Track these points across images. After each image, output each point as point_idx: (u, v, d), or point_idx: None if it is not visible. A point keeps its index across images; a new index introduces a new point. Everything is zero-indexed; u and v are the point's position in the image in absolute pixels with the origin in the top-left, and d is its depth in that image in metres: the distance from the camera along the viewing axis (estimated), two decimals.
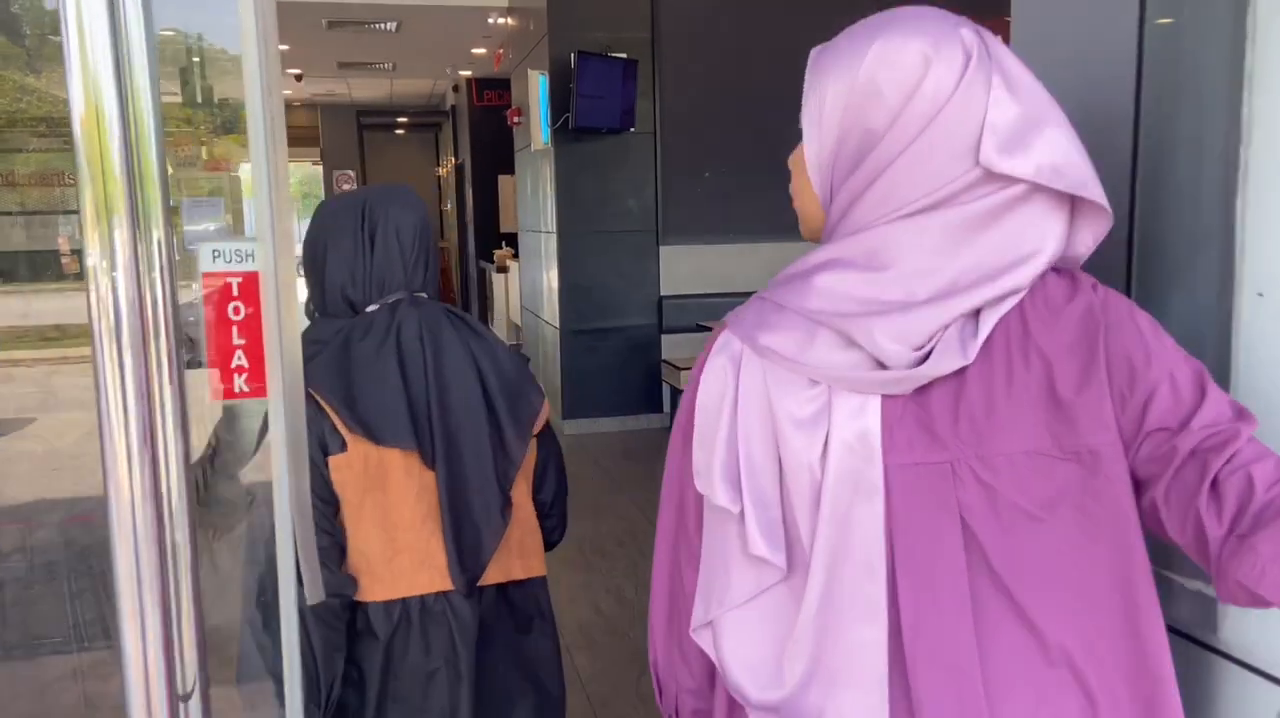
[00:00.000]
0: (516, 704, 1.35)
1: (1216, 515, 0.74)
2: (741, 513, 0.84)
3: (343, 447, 1.23)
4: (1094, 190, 0.81)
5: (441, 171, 16.23)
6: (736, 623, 0.86)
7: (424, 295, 1.36)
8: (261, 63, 0.82)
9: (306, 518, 0.79)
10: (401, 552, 1.26)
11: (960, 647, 0.79)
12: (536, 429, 1.39)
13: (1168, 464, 0.78)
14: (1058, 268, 0.85)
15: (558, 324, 6.39)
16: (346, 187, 16.21)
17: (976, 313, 0.81)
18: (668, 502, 0.96)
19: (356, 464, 1.24)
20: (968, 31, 0.82)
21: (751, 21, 6.07)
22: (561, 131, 6.03)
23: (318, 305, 1.35)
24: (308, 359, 1.12)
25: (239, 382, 0.88)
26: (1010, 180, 0.80)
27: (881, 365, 0.81)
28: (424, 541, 1.26)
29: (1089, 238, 0.85)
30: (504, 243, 10.88)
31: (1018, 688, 0.79)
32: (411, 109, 15.45)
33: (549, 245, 6.54)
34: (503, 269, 10.09)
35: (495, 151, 11.54)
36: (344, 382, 1.24)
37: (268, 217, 0.84)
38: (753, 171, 6.43)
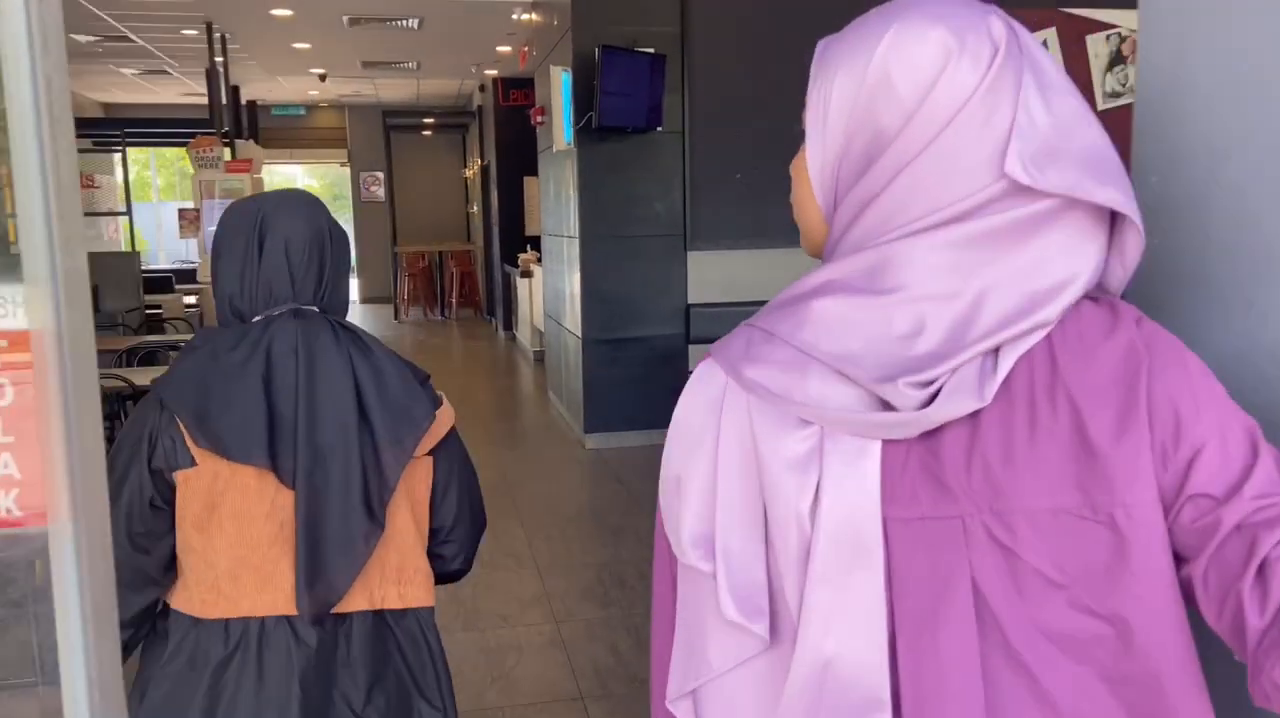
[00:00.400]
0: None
1: (1260, 604, 0.62)
2: (714, 575, 0.73)
3: (191, 462, 1.18)
4: (1132, 209, 0.69)
5: (468, 173, 16.03)
6: (718, 692, 0.74)
7: (314, 309, 1.28)
8: (31, 24, 0.52)
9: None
10: (247, 570, 1.19)
11: (967, 704, 0.67)
12: (423, 450, 1.29)
13: (1210, 537, 0.66)
14: (1094, 296, 0.73)
15: (580, 333, 6.09)
16: (375, 189, 16.07)
17: (996, 348, 0.68)
18: (663, 550, 0.82)
19: (205, 479, 1.19)
20: (997, 21, 0.71)
21: (787, 14, 5.73)
22: (585, 131, 5.74)
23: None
24: (172, 367, 1.17)
25: (4, 502, 0.58)
26: (1039, 195, 0.68)
27: (886, 405, 0.69)
28: (271, 562, 1.19)
29: (1119, 267, 0.74)
30: (529, 246, 10.62)
31: None
32: (438, 110, 15.26)
33: (571, 250, 6.24)
34: (527, 274, 9.83)
35: (521, 153, 11.29)
36: (200, 394, 1.18)
37: (43, 248, 0.54)
38: (787, 174, 6.11)
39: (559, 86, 5.84)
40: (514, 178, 11.32)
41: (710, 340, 3.65)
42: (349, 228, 18.79)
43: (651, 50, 5.61)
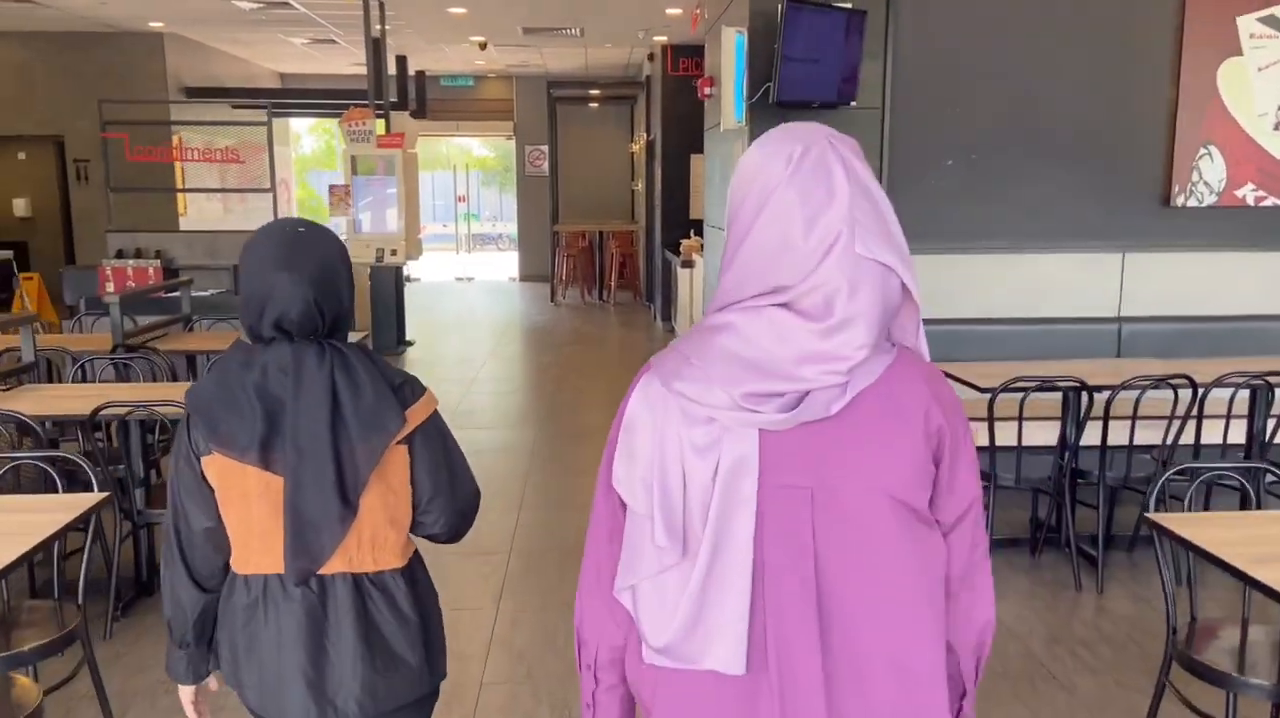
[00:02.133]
0: (366, 672, 1.56)
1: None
2: (651, 513, 1.12)
3: (210, 451, 1.52)
4: (912, 284, 1.13)
5: (634, 148, 15.24)
6: (646, 589, 1.15)
7: (309, 338, 1.54)
8: None
9: None
10: (253, 538, 1.54)
11: (801, 608, 1.09)
12: (395, 441, 1.54)
13: (949, 520, 1.17)
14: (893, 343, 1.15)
15: None
16: (539, 163, 15.57)
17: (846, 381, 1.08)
18: (602, 494, 1.23)
19: (218, 466, 1.52)
20: (814, 137, 1.14)
21: None
22: (761, 106, 4.72)
23: None
24: (202, 377, 1.61)
25: None
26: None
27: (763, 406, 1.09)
28: (271, 533, 1.52)
29: (911, 327, 1.17)
30: (693, 231, 9.69)
31: (848, 660, 1.10)
32: (605, 80, 14.51)
33: None
34: (688, 263, 8.90)
35: (689, 127, 10.34)
36: (212, 402, 1.51)
37: None
38: (1010, 161, 4.88)
39: (731, 52, 4.85)
40: (680, 155, 10.40)
41: None
42: (512, 202, 18.56)
43: (849, 5, 4.52)
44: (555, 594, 3.76)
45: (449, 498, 1.62)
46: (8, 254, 12.09)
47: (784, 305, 1.08)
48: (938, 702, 1.13)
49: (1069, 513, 3.92)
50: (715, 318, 1.12)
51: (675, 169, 10.46)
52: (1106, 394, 3.73)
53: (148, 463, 3.51)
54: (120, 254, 7.37)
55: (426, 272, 16.81)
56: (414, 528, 1.63)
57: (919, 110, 4.81)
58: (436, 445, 1.61)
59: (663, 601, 1.12)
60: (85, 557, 2.47)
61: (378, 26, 8.91)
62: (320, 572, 1.53)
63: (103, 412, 3.22)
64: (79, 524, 2.33)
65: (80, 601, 2.47)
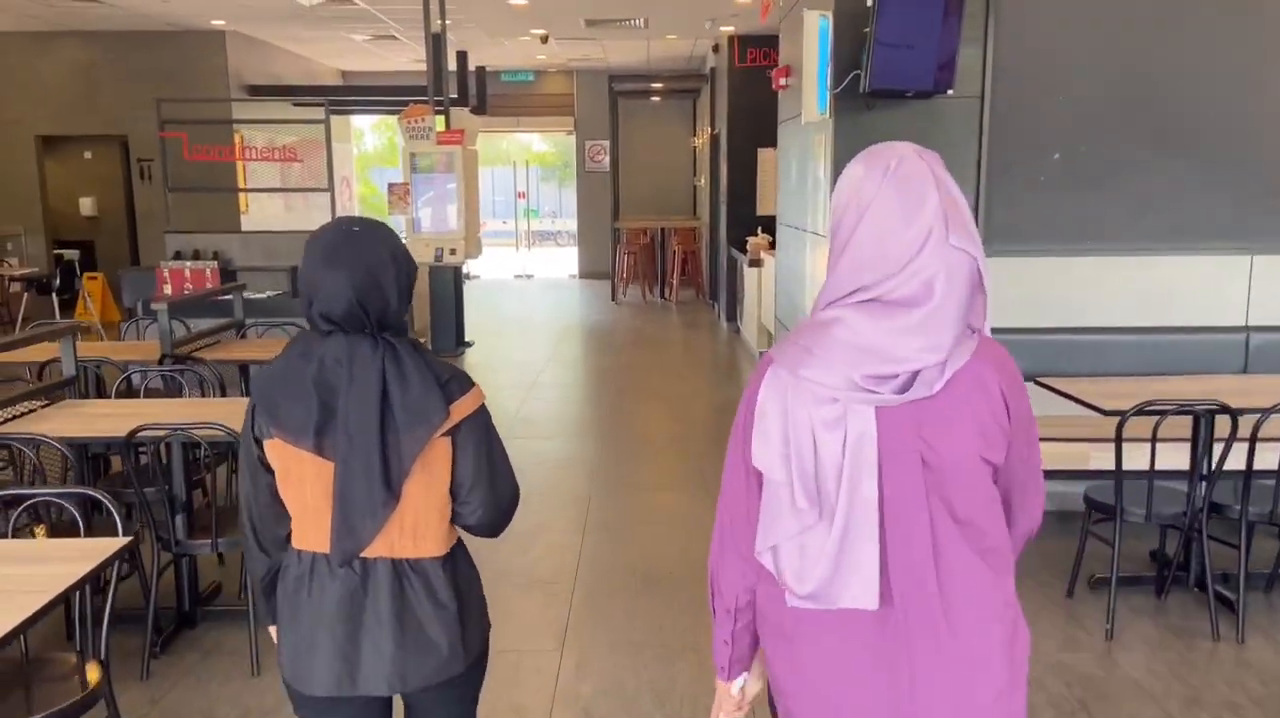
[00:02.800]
0: (405, 642, 1.63)
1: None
2: (790, 483, 1.31)
3: (270, 434, 1.60)
4: (986, 274, 1.33)
5: (696, 142, 14.85)
6: (788, 548, 1.33)
7: (363, 331, 1.60)
8: None
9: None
10: (306, 516, 1.62)
11: (921, 560, 1.30)
12: (438, 433, 1.60)
13: (1007, 472, 1.38)
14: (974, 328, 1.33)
15: None
16: (599, 158, 15.29)
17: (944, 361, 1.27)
18: (733, 470, 1.42)
19: (277, 449, 1.60)
20: (905, 152, 1.35)
21: None
22: (847, 97, 4.34)
23: None
24: (267, 366, 1.65)
25: None
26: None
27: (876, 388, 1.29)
28: (321, 513, 1.60)
29: (981, 311, 1.35)
30: (760, 228, 9.30)
31: (958, 582, 1.32)
32: (667, 74, 14.14)
33: (817, 250, 4.88)
34: (756, 262, 8.51)
35: (756, 120, 9.94)
36: (273, 390, 1.60)
37: None
38: (1123, 154, 4.42)
39: (814, 38, 4.46)
40: (747, 149, 10.00)
41: None
42: (570, 198, 18.33)
43: None
44: (624, 634, 3.43)
45: (488, 491, 1.68)
46: (74, 254, 12.28)
47: (877, 299, 1.27)
48: (1013, 610, 1.40)
49: (1204, 550, 3.46)
50: (825, 314, 1.31)
51: (741, 164, 10.07)
52: (1254, 418, 3.27)
53: (190, 485, 3.26)
54: (178, 255, 7.26)
55: (486, 269, 16.65)
56: (453, 518, 1.70)
57: (1022, 99, 4.37)
58: (479, 439, 1.66)
59: (805, 555, 1.31)
60: (108, 608, 2.21)
61: (438, 21, 8.69)
62: (363, 554, 1.61)
63: (140, 433, 2.98)
64: (101, 571, 2.07)
65: (104, 656, 2.21)
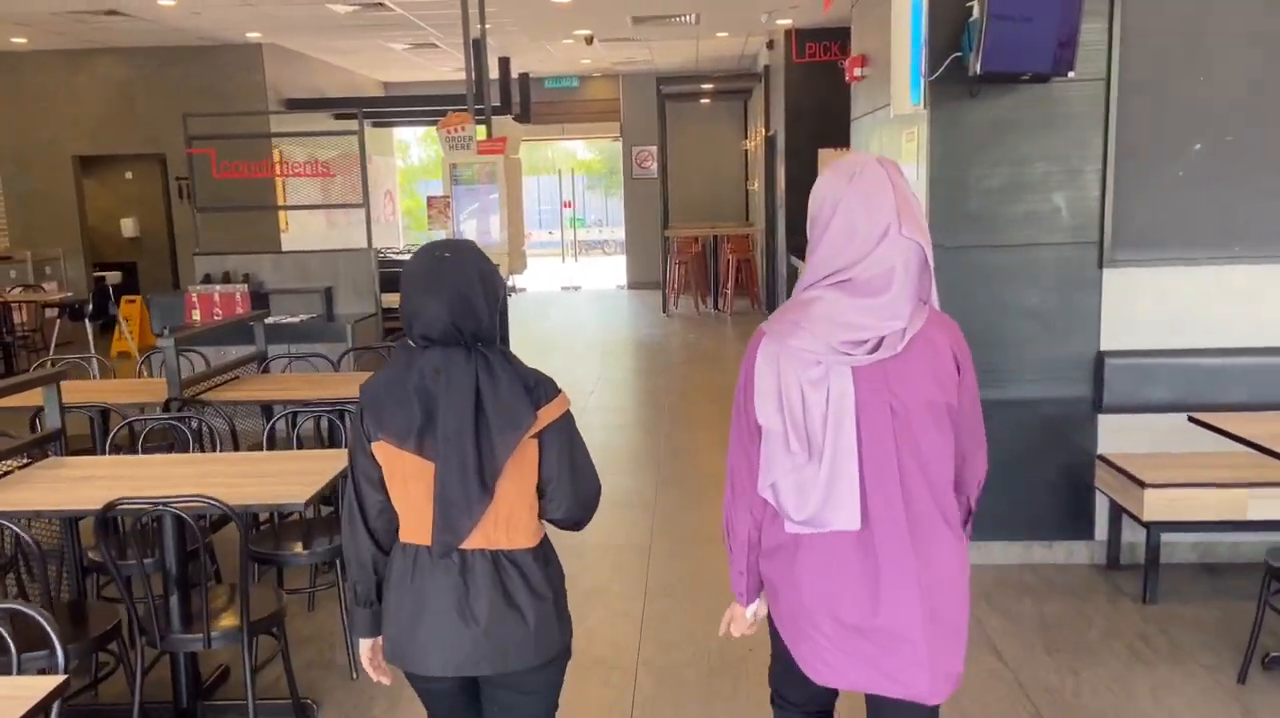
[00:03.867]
0: (502, 625, 1.75)
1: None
2: (785, 432, 1.65)
3: (378, 437, 1.75)
4: (930, 257, 1.67)
5: (749, 145, 14.22)
6: (785, 484, 1.67)
7: (458, 344, 1.76)
8: None
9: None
10: (410, 512, 1.76)
11: (891, 484, 1.65)
12: (529, 435, 1.74)
13: (966, 402, 1.72)
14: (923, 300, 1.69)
15: None
16: (647, 164, 14.75)
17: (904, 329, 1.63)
18: (737, 427, 1.75)
19: (384, 451, 1.74)
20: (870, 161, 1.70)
21: None
22: (950, 82, 3.71)
23: None
24: (375, 375, 1.81)
25: None
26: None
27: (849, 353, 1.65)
28: (423, 510, 1.74)
29: (928, 287, 1.69)
30: None
31: (919, 510, 1.67)
32: (718, 74, 13.55)
33: None
34: None
35: (817, 119, 9.30)
36: (379, 398, 1.76)
37: None
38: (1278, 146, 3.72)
39: (904, 19, 3.84)
40: (806, 150, 9.36)
41: (1136, 409, 3.74)
42: (619, 206, 17.82)
43: None
44: None
45: (571, 488, 1.81)
46: (115, 276, 12.03)
47: (850, 280, 1.63)
48: (958, 533, 1.73)
49: None
50: (806, 294, 1.68)
51: (800, 166, 9.42)
52: None
53: (183, 561, 2.74)
54: (207, 279, 6.83)
55: (532, 281, 16.18)
56: (540, 512, 1.82)
57: (1156, 80, 3.70)
58: (564, 441, 1.80)
59: (800, 489, 1.66)
60: None
61: (477, 26, 8.20)
62: (462, 547, 1.74)
63: (117, 507, 2.47)
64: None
65: None
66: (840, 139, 9.33)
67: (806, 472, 1.63)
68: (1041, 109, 3.74)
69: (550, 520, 1.84)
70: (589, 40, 9.35)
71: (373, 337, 6.91)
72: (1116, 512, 3.86)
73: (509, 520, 1.74)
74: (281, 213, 10.97)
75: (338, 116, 12.68)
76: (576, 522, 1.85)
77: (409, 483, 1.72)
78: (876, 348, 1.59)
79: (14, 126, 10.72)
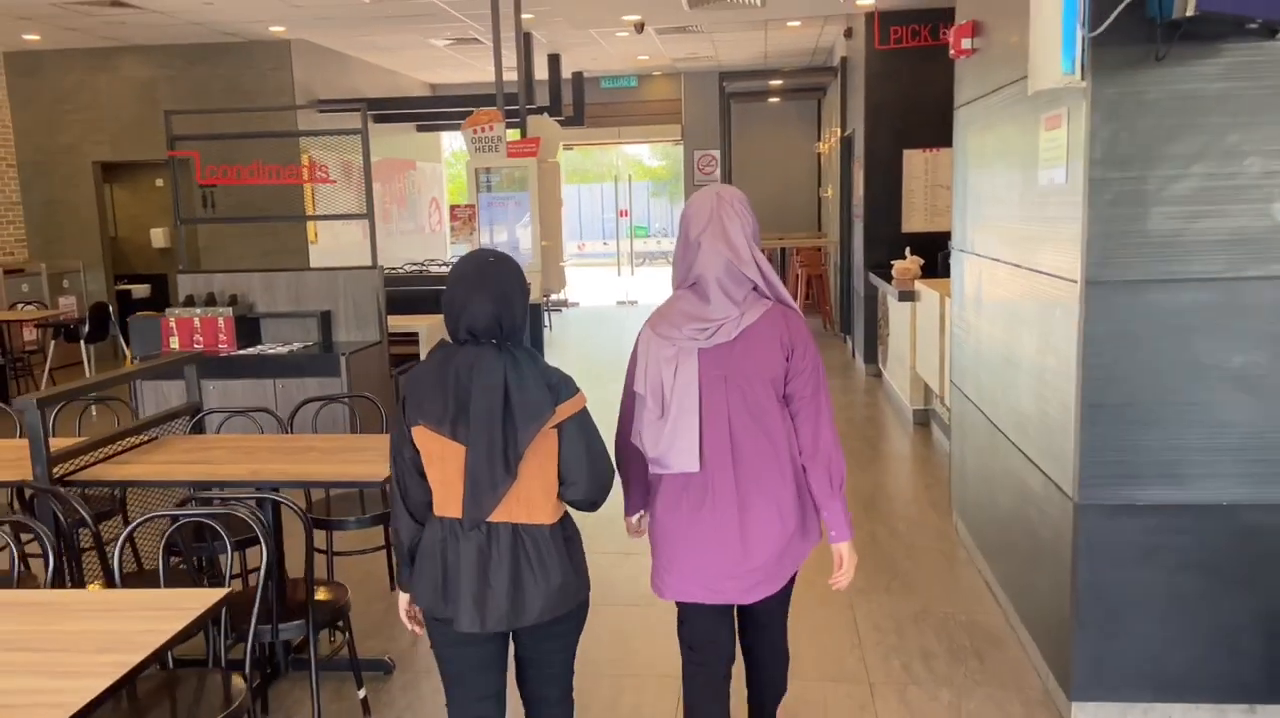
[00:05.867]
0: (519, 589, 2.02)
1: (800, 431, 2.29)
2: (645, 395, 2.22)
3: (417, 423, 2.02)
4: (754, 270, 2.22)
5: (821, 148, 12.98)
6: (646, 433, 2.22)
7: (492, 341, 2.05)
8: None
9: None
10: (443, 489, 2.03)
11: (721, 441, 2.17)
12: (549, 426, 2.02)
13: (792, 401, 2.23)
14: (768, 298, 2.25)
15: (1070, 478, 2.90)
16: (709, 170, 13.62)
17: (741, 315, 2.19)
18: (626, 390, 2.31)
19: (422, 436, 2.02)
20: (712, 196, 2.25)
21: None
22: (1119, 41, 2.53)
23: None
24: (417, 368, 2.10)
25: None
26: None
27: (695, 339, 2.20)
28: (455, 488, 2.01)
29: (784, 292, 2.27)
30: (909, 249, 7.42)
31: (747, 458, 2.18)
32: (788, 69, 12.35)
33: (1050, 299, 3.07)
34: (909, 294, 6.62)
35: (902, 115, 8.06)
36: (418, 388, 2.04)
37: None
38: None
39: None
40: (888, 151, 8.14)
41: None
42: (675, 213, 16.69)
43: None
44: None
45: (588, 474, 2.08)
46: (143, 289, 11.37)
47: (695, 285, 2.22)
48: (791, 487, 2.22)
49: None
50: (675, 294, 2.27)
51: (882, 169, 8.20)
52: None
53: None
54: (189, 301, 5.93)
55: (586, 294, 15.18)
56: (560, 494, 2.09)
57: None
58: (580, 434, 2.07)
59: (655, 437, 2.21)
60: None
61: (521, 17, 7.21)
62: (489, 520, 2.02)
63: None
64: None
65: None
66: (928, 137, 8.06)
67: (659, 425, 2.21)
68: (1269, 80, 2.52)
69: (568, 502, 2.11)
70: (639, 27, 8.27)
71: (376, 370, 5.92)
72: None
73: (529, 499, 2.03)
74: (310, 224, 10.17)
75: (376, 119, 11.89)
76: (592, 502, 2.11)
77: (444, 464, 2.01)
78: (713, 334, 2.17)
79: (32, 131, 10.11)
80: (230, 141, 8.15)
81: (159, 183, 11.48)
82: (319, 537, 3.53)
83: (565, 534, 2.09)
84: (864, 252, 8.45)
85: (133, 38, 9.47)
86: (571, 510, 2.15)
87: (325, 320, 5.93)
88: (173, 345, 5.85)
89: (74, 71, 10.02)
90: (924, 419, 6.62)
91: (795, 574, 2.29)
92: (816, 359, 2.20)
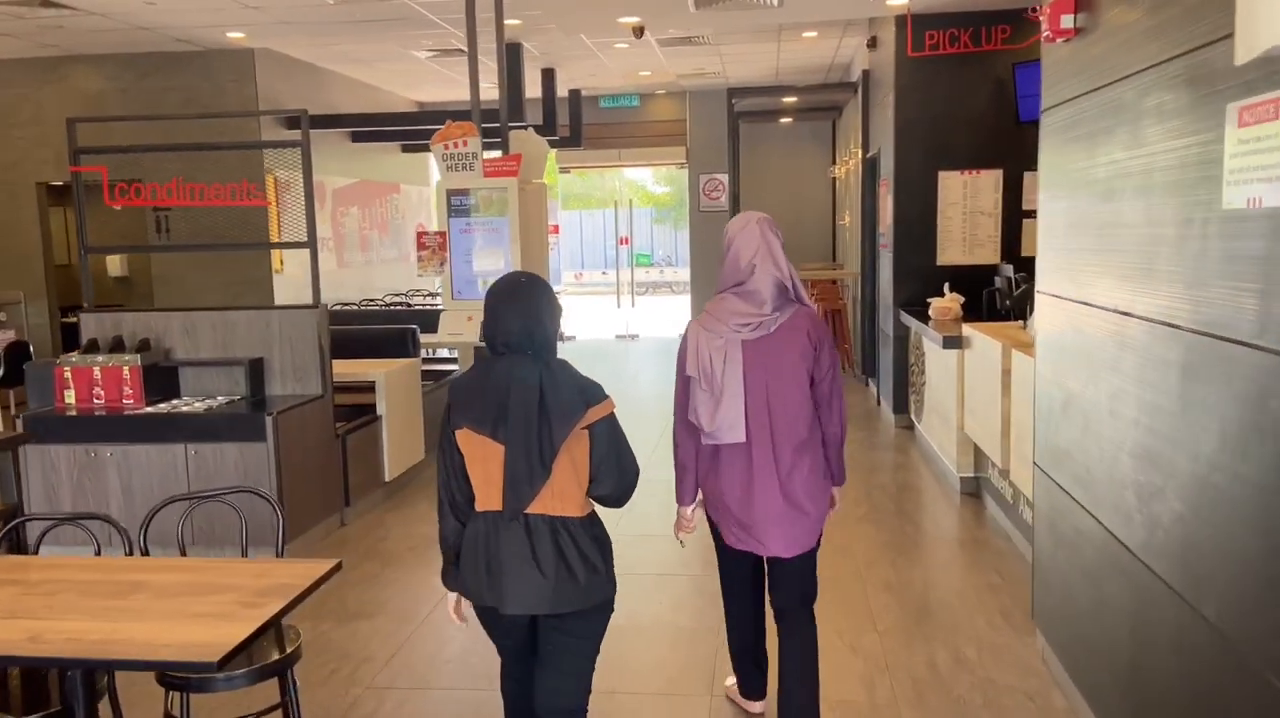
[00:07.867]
0: (554, 581, 2.23)
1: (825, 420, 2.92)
2: (699, 378, 2.75)
3: (461, 426, 2.25)
4: (792, 284, 2.85)
5: (837, 172, 12.03)
6: (701, 410, 2.75)
7: (527, 352, 2.27)
8: None
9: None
10: (485, 486, 2.25)
11: (762, 415, 2.76)
12: (580, 427, 2.24)
13: (821, 372, 2.83)
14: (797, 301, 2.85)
15: (1227, 618, 1.85)
16: (716, 195, 12.68)
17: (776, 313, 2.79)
18: (679, 379, 2.83)
19: (464, 438, 2.25)
20: (755, 219, 2.86)
21: None
22: None
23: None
24: (460, 376, 2.42)
25: None
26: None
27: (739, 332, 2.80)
28: (496, 483, 2.23)
29: (805, 296, 2.87)
30: (948, 286, 6.42)
31: (782, 434, 2.77)
32: (803, 86, 11.41)
33: (1211, 360, 2.02)
34: (955, 341, 5.58)
35: (937, 133, 7.07)
36: (461, 395, 2.28)
37: None
38: None
39: None
40: (921, 171, 7.16)
41: None
42: (685, 240, 15.75)
43: None
44: None
45: (615, 472, 2.31)
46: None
47: (741, 287, 2.75)
48: (817, 457, 2.82)
49: None
50: (721, 296, 2.80)
51: (914, 194, 7.21)
52: None
53: None
54: (92, 346, 4.93)
55: (582, 327, 14.19)
56: (589, 490, 2.31)
57: None
58: (608, 436, 2.29)
59: (710, 414, 2.71)
60: None
61: (507, 23, 6.25)
62: (526, 512, 2.23)
63: None
64: None
65: None
66: (966, 157, 7.00)
67: (711, 403, 2.72)
68: None
69: (596, 498, 2.34)
70: (638, 32, 7.31)
71: (315, 430, 4.89)
72: None
73: (562, 494, 2.24)
74: (275, 252, 9.19)
75: (353, 138, 10.96)
76: (618, 499, 2.35)
77: (486, 462, 2.22)
78: (756, 328, 2.72)
79: None
80: (191, 160, 7.21)
81: (116, 206, 10.54)
82: (174, 699, 2.49)
83: (595, 534, 2.33)
84: (895, 287, 7.43)
85: (76, 45, 8.55)
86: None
87: (256, 369, 4.91)
88: (68, 400, 4.84)
89: (14, 84, 9.11)
90: (973, 489, 5.57)
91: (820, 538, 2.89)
92: (834, 356, 2.82)
